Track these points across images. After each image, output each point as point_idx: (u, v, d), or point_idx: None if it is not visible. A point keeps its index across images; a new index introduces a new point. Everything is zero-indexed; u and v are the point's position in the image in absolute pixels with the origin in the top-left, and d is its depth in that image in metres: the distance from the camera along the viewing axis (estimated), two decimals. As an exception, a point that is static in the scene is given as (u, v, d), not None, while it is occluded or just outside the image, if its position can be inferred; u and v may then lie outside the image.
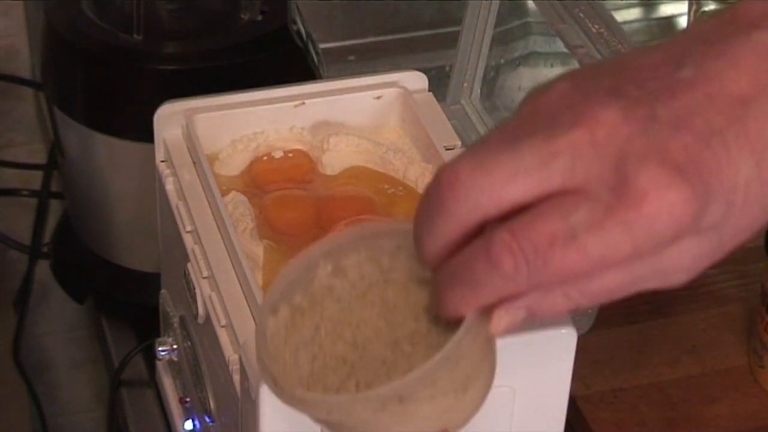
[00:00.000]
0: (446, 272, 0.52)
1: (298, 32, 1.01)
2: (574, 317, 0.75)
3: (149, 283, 1.01)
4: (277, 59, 0.99)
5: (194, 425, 0.89)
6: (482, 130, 0.94)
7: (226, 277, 0.77)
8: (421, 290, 0.58)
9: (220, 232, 0.79)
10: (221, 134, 0.86)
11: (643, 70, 0.50)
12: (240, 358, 0.71)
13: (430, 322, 0.57)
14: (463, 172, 0.50)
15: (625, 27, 1.32)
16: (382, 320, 0.58)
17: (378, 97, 0.88)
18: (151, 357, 0.96)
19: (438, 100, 0.90)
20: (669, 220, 0.47)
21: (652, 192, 0.47)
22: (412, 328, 0.57)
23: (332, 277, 0.59)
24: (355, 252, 0.59)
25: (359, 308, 0.59)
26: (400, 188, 0.85)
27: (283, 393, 0.56)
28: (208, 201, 0.81)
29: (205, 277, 0.78)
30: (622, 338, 0.97)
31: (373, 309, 0.59)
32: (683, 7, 1.29)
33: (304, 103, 0.87)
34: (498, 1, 0.96)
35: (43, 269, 1.27)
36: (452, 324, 0.55)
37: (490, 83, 1.01)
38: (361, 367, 0.57)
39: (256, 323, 0.60)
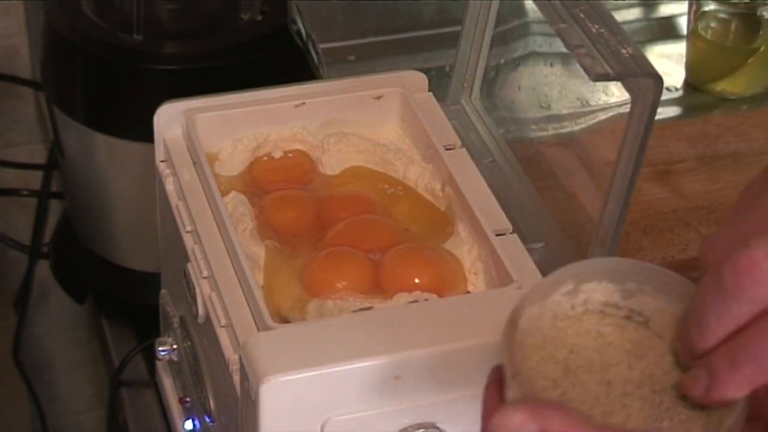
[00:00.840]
0: (730, 353, 0.53)
1: (298, 32, 1.02)
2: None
3: (149, 283, 1.01)
4: (277, 59, 0.99)
5: (194, 425, 0.89)
6: (482, 130, 0.94)
7: (226, 277, 0.77)
8: (636, 334, 0.57)
9: (220, 232, 0.79)
10: (221, 134, 0.86)
11: None
12: (240, 358, 0.71)
13: (644, 376, 0.56)
14: (761, 257, 0.51)
15: (625, 27, 1.32)
16: (596, 353, 0.57)
17: (378, 97, 0.88)
18: (151, 357, 0.96)
19: (438, 100, 0.90)
20: None
21: None
22: (625, 375, 0.56)
23: (564, 295, 0.58)
24: (597, 279, 0.58)
25: (574, 333, 0.58)
26: (400, 188, 0.85)
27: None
28: (208, 201, 0.81)
29: (205, 277, 0.78)
30: (622, 338, 0.97)
31: (588, 338, 0.58)
32: (683, 7, 1.29)
33: (304, 103, 0.87)
34: (498, 1, 0.96)
35: (43, 269, 1.27)
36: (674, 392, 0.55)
37: (490, 83, 1.01)
38: (575, 398, 0.56)
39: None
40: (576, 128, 1.13)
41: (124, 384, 1.05)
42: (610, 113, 1.20)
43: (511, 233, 0.80)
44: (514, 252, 0.78)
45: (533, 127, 1.15)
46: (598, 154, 0.93)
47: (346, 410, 0.70)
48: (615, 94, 1.22)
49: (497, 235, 0.79)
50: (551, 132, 1.14)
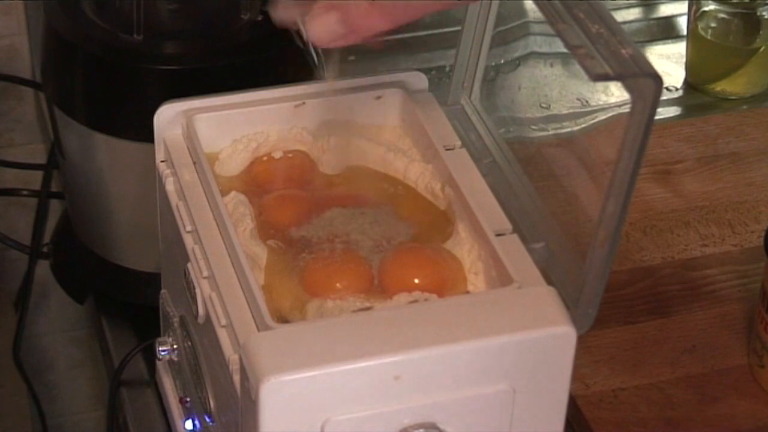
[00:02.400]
0: None
1: (298, 32, 1.01)
2: (574, 317, 0.75)
3: (149, 283, 1.01)
4: (277, 59, 0.99)
5: (194, 425, 0.89)
6: (482, 130, 0.94)
7: (226, 277, 0.77)
8: None
9: (220, 232, 0.79)
10: (221, 134, 0.86)
11: None
12: (240, 358, 0.71)
13: None
14: None
15: (625, 27, 1.32)
16: None
17: (378, 97, 0.88)
18: (151, 357, 0.96)
19: (438, 100, 0.90)
20: None
21: None
22: None
23: None
24: None
25: None
26: (400, 188, 0.85)
27: None
28: (208, 201, 0.81)
29: (205, 277, 0.78)
30: (621, 338, 0.97)
31: None
32: (683, 7, 1.29)
33: (304, 103, 0.87)
34: (498, 1, 0.96)
35: (43, 269, 1.27)
36: None
37: (490, 83, 1.01)
38: None
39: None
40: (576, 128, 1.14)
41: (124, 384, 1.05)
42: (610, 113, 1.21)
43: (511, 233, 0.80)
44: (514, 252, 0.78)
45: (533, 127, 1.15)
46: (598, 154, 0.93)
47: (346, 410, 0.70)
48: (615, 94, 1.22)
49: (497, 235, 0.79)
50: (551, 132, 1.14)
